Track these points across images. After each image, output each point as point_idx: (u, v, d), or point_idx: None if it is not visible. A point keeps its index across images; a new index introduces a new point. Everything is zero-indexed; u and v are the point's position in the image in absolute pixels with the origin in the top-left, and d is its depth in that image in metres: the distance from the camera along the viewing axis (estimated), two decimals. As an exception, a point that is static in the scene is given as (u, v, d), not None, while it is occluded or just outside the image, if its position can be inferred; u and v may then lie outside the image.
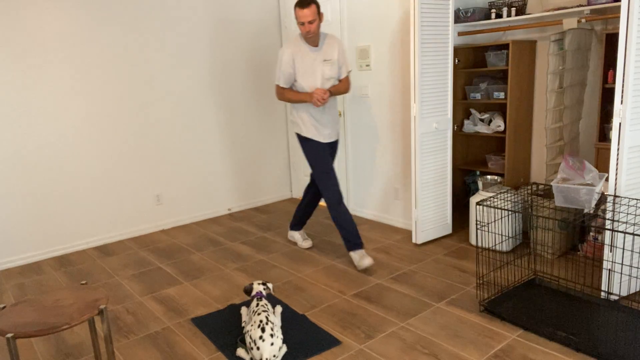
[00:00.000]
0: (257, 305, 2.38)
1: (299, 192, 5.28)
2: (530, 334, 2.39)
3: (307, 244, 3.76)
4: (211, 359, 2.34)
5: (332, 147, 3.47)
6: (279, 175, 5.18)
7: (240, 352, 2.30)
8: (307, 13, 3.07)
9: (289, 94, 3.30)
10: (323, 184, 3.30)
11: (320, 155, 3.33)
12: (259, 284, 2.55)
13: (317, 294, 2.96)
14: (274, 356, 2.21)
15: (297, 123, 3.37)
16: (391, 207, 4.17)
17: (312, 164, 3.37)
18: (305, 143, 3.36)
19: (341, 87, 3.36)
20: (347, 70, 3.38)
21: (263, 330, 2.22)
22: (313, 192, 3.64)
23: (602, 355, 2.15)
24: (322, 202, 4.97)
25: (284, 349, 2.31)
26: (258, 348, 2.19)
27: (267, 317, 2.29)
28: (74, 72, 3.81)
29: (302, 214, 3.77)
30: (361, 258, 3.23)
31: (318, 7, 3.11)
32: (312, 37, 3.18)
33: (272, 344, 2.20)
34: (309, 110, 3.30)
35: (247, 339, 2.26)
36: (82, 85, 3.86)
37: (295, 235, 3.85)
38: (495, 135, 3.78)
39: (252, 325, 2.27)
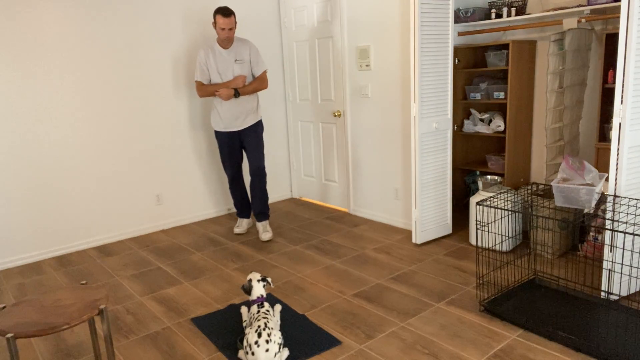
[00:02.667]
0: (258, 312, 2.34)
1: (298, 192, 5.28)
2: (530, 334, 2.39)
3: (238, 229, 4.16)
4: (211, 359, 2.34)
5: (239, 136, 3.92)
6: (279, 175, 5.18)
7: (241, 353, 2.30)
8: (228, 22, 3.58)
9: (202, 88, 3.79)
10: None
11: (219, 144, 3.96)
12: (258, 280, 2.46)
13: (317, 294, 2.96)
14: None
15: (211, 116, 3.97)
16: (391, 207, 4.17)
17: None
18: (215, 134, 3.99)
19: (255, 83, 3.80)
20: (262, 69, 3.82)
21: (259, 335, 2.19)
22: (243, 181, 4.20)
23: (602, 355, 2.15)
24: (322, 202, 4.98)
25: (286, 352, 2.28)
26: (253, 353, 2.17)
27: (265, 324, 2.24)
28: (74, 72, 3.81)
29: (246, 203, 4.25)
30: (235, 227, 4.17)
31: (235, 16, 3.70)
32: (228, 42, 3.71)
33: (267, 350, 2.17)
34: (215, 103, 3.86)
35: (245, 343, 2.25)
36: (82, 85, 3.86)
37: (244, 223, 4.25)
38: (495, 135, 3.78)
39: (250, 328, 2.26)
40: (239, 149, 3.98)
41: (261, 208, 4.02)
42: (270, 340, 2.20)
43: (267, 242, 3.94)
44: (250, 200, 4.12)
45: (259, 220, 4.05)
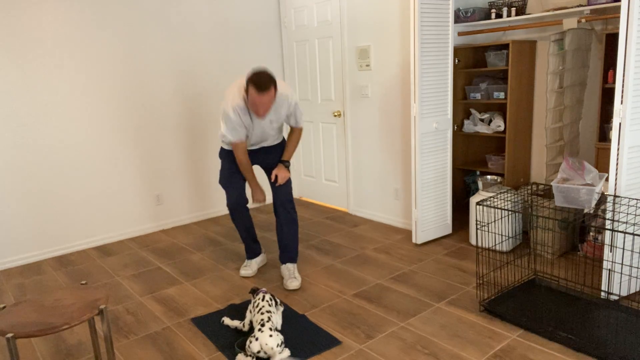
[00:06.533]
0: (263, 299, 2.41)
1: (298, 192, 5.28)
2: (530, 334, 2.39)
3: (245, 271, 3.31)
4: (211, 359, 2.34)
5: (253, 153, 3.17)
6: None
7: (240, 357, 2.29)
8: (266, 100, 2.65)
9: (246, 161, 2.99)
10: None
11: (224, 162, 3.17)
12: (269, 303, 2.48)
13: (317, 294, 2.96)
14: (272, 348, 2.20)
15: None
16: (391, 207, 4.17)
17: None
18: (220, 150, 3.19)
19: (293, 144, 3.11)
20: (301, 123, 3.07)
21: (263, 325, 2.26)
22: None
23: (602, 355, 2.15)
24: (322, 202, 4.98)
25: (286, 352, 2.29)
26: (257, 339, 2.22)
27: (269, 317, 2.32)
28: (75, 72, 3.81)
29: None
30: (243, 267, 3.33)
31: (276, 87, 2.70)
32: (262, 116, 2.81)
33: (270, 335, 2.23)
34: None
35: (246, 324, 2.32)
36: (82, 85, 3.86)
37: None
38: (495, 135, 3.78)
39: (253, 317, 2.32)
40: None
41: (290, 251, 3.19)
42: (273, 331, 2.25)
43: (268, 242, 3.94)
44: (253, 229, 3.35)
45: (285, 262, 3.19)
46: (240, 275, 3.30)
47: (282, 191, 3.09)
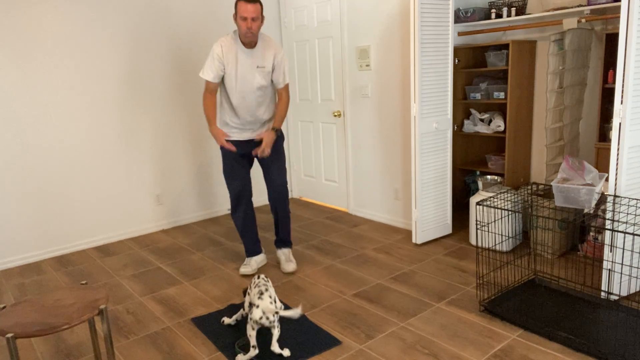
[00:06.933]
0: (258, 277, 2.44)
1: (298, 192, 5.28)
2: (530, 334, 2.39)
3: (245, 269, 3.29)
4: (211, 359, 2.34)
5: (251, 146, 3.17)
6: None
7: (240, 357, 2.29)
8: (252, 9, 2.81)
9: (210, 105, 3.03)
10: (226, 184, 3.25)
11: (224, 154, 3.17)
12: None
13: (317, 294, 2.96)
14: (274, 315, 2.25)
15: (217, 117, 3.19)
16: (391, 207, 4.17)
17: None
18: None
19: (284, 105, 3.12)
20: (286, 81, 3.10)
21: (262, 294, 2.31)
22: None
23: (602, 355, 2.15)
24: (322, 202, 4.98)
25: (288, 312, 2.31)
26: (257, 306, 2.26)
27: (267, 288, 2.36)
28: (75, 72, 3.81)
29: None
30: (242, 266, 3.32)
31: (262, 7, 2.90)
32: (250, 38, 2.89)
33: (270, 302, 2.27)
34: (224, 106, 3.11)
35: (246, 308, 2.36)
36: (82, 85, 3.86)
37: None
38: (495, 135, 3.78)
39: (251, 291, 2.38)
40: (249, 160, 3.24)
41: (285, 234, 3.34)
42: (272, 301, 2.30)
43: (268, 242, 3.93)
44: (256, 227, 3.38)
45: (281, 247, 3.36)
46: (240, 273, 3.29)
47: (277, 179, 3.17)
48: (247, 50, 2.97)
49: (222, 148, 3.17)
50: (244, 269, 3.28)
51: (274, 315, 2.25)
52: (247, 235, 3.30)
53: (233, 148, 3.06)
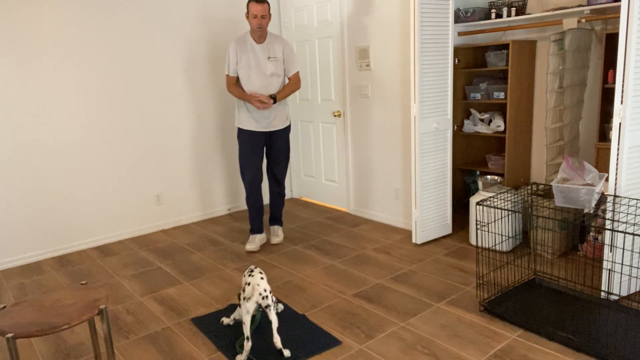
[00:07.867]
0: (252, 269, 2.47)
1: (299, 192, 5.28)
2: (530, 334, 2.39)
3: (250, 246, 3.74)
4: (211, 359, 2.34)
5: (266, 137, 3.69)
6: (279, 175, 5.18)
7: (239, 358, 2.29)
8: (261, 8, 3.37)
9: (234, 89, 3.55)
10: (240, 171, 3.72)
11: (242, 142, 3.64)
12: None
13: (317, 294, 2.96)
14: (265, 290, 2.28)
15: (235, 114, 3.69)
16: (391, 207, 4.17)
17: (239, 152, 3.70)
18: (239, 132, 3.67)
19: (291, 87, 3.62)
20: (296, 69, 3.62)
21: (252, 271, 2.38)
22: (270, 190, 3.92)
23: (602, 355, 2.15)
24: (322, 202, 4.98)
25: (280, 345, 2.30)
26: (249, 284, 2.30)
27: (258, 270, 2.41)
28: (75, 72, 3.81)
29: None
30: (248, 243, 3.76)
31: (269, 6, 3.45)
32: (260, 33, 3.46)
33: (261, 278, 2.33)
34: (243, 110, 3.61)
35: (240, 292, 2.40)
36: (82, 85, 3.86)
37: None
38: (495, 135, 3.78)
39: (243, 280, 2.42)
40: (263, 151, 3.71)
41: (279, 213, 3.95)
42: (264, 277, 2.36)
43: (268, 242, 3.94)
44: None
45: (274, 224, 3.97)
46: (246, 249, 3.71)
47: (278, 170, 3.77)
48: (258, 45, 3.50)
49: (238, 136, 3.65)
50: (249, 246, 3.72)
51: (265, 291, 2.27)
52: (254, 213, 3.77)
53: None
